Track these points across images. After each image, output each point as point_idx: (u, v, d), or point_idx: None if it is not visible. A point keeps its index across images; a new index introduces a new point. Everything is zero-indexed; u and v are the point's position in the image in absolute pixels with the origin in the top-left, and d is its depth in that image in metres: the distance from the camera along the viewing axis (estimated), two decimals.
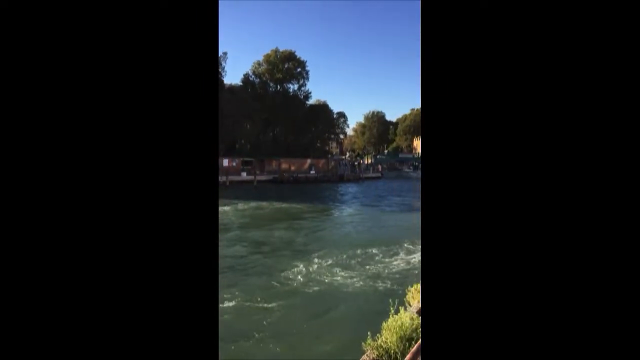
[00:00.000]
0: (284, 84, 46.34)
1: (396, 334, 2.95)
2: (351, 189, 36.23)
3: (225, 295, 7.58)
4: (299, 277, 9.77)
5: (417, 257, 11.69)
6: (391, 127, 75.84)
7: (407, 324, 3.02)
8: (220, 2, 1.42)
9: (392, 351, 2.88)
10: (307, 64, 47.48)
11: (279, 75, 45.34)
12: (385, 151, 66.48)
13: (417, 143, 65.51)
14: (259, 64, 45.98)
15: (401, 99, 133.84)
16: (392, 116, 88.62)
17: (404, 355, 2.68)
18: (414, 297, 3.89)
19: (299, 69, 46.90)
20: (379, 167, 53.93)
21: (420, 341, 2.11)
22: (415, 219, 20.49)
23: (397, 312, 3.27)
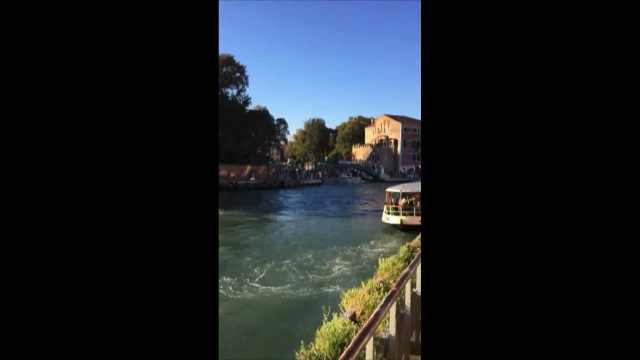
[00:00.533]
0: (222, 89, 45.13)
1: (329, 340, 2.96)
2: (292, 195, 36.20)
3: None
4: (231, 286, 9.47)
5: (353, 262, 11.96)
6: (331, 134, 77.39)
7: (340, 330, 3.05)
8: (220, 2, 1.43)
9: (324, 358, 2.87)
10: (246, 69, 46.87)
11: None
12: (326, 158, 67.52)
13: (356, 150, 67.51)
14: None
15: (340, 107, 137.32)
16: (331, 124, 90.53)
17: None
18: (348, 302, 3.95)
19: (237, 74, 46.00)
20: (320, 173, 54.60)
21: (348, 347, 2.13)
22: (354, 224, 21.03)
23: (330, 318, 3.28)
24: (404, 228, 16.28)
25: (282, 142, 65.76)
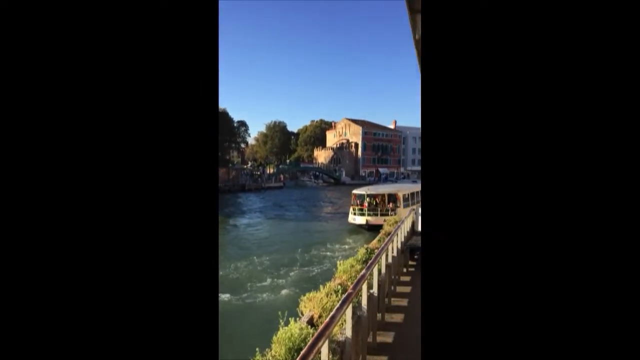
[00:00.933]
0: None
1: (285, 346, 2.92)
2: (253, 198, 35.69)
3: None
4: None
5: (315, 265, 11.97)
6: (292, 137, 77.29)
7: (297, 335, 3.02)
8: (220, 2, 1.44)
9: None
10: None
11: None
12: (288, 161, 67.31)
13: (318, 153, 67.87)
14: None
15: (302, 110, 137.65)
16: (293, 127, 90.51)
17: None
18: (306, 306, 3.93)
19: None
20: (281, 176, 54.29)
21: (302, 352, 2.11)
22: (316, 226, 21.04)
23: (287, 323, 3.24)
24: (369, 228, 16.83)
25: (242, 145, 64.78)
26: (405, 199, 18.62)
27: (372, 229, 15.84)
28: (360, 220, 17.88)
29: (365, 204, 18.18)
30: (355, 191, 19.19)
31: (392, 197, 18.54)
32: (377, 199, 18.37)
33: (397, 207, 17.82)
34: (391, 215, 15.55)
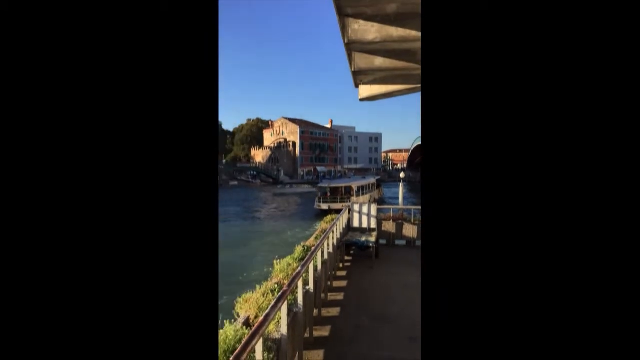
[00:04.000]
0: None
1: (220, 348, 2.89)
2: None
3: None
4: None
5: (256, 265, 11.83)
6: (229, 136, 75.24)
7: (232, 337, 3.01)
8: (220, 2, 1.46)
9: None
10: None
11: None
12: (224, 161, 65.38)
13: (255, 153, 66.88)
14: None
15: (238, 109, 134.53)
16: (229, 126, 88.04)
17: None
18: (242, 307, 3.91)
19: None
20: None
21: (235, 352, 2.12)
22: (252, 226, 20.81)
23: (222, 326, 3.21)
24: (330, 211, 21.05)
25: None
26: (357, 191, 26.02)
27: (333, 212, 17.95)
28: (325, 206, 24.59)
29: (328, 194, 25.62)
30: (320, 185, 27.81)
31: (347, 189, 25.89)
32: (336, 191, 25.82)
33: (352, 196, 25.09)
34: (347, 201, 21.97)
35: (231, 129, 76.63)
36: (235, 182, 55.20)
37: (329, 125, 69.68)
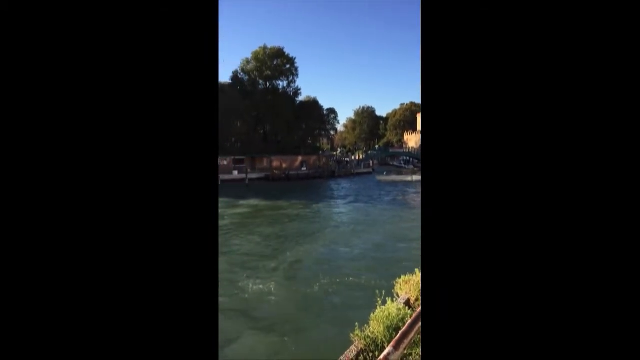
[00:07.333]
0: (273, 81, 46.06)
1: (383, 324, 3.03)
2: (343, 184, 36.33)
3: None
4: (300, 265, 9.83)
5: (409, 248, 11.83)
6: (381, 122, 76.11)
7: (394, 314, 3.10)
8: (220, 2, 1.43)
9: (379, 340, 2.96)
10: (296, 60, 47.34)
11: (268, 72, 44.98)
12: (376, 146, 66.63)
13: (408, 137, 65.82)
14: (247, 61, 45.55)
15: (391, 94, 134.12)
16: (382, 111, 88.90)
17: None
18: (402, 288, 3.98)
19: (287, 66, 46.59)
20: (370, 162, 54.08)
21: (403, 329, 2.19)
22: (406, 214, 20.72)
23: (384, 303, 3.35)
24: None
25: (332, 132, 65.89)
26: None
27: None
28: None
29: None
30: None
31: None
32: None
33: None
34: None
35: (384, 115, 77.31)
36: (383, 169, 55.67)
37: None
